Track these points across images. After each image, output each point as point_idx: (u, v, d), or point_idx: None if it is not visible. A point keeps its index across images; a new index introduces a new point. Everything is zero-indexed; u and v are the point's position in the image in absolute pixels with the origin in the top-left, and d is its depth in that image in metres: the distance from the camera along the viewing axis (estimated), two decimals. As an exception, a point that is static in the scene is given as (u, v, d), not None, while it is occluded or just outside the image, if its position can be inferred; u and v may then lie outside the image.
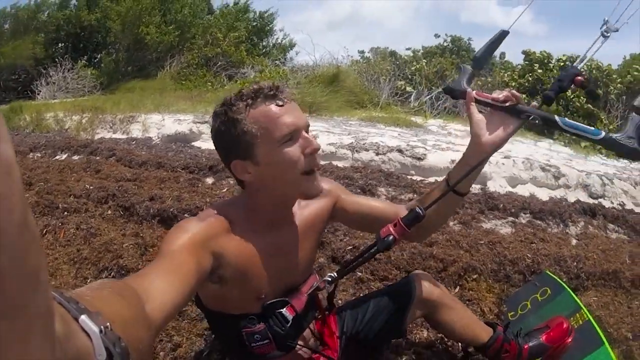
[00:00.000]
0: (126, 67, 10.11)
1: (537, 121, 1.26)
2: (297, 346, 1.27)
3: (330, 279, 1.28)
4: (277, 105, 1.05)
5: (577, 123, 1.24)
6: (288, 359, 1.26)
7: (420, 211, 1.21)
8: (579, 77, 1.23)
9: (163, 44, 9.91)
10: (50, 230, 2.67)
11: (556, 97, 1.25)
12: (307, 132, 1.10)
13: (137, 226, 2.80)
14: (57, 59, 9.83)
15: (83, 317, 0.45)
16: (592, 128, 1.24)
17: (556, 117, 1.26)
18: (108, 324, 0.47)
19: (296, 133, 1.06)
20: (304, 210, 1.26)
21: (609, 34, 1.24)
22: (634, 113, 1.24)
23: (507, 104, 1.25)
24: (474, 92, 1.29)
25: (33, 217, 0.30)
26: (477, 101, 1.30)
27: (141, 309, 0.67)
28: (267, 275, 1.15)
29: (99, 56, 10.96)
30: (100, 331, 0.45)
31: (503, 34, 1.36)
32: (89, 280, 2.14)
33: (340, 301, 1.99)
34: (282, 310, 1.18)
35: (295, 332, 1.25)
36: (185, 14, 10.75)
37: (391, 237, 1.22)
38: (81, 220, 2.79)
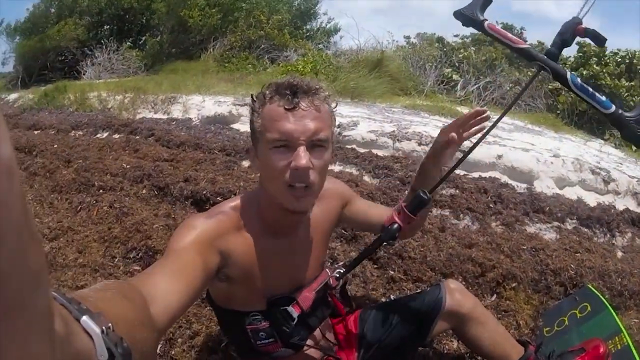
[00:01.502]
0: (170, 49, 10.20)
1: (548, 73, 1.17)
2: (306, 346, 1.23)
3: (337, 275, 1.26)
4: (285, 107, 0.98)
5: (589, 87, 1.13)
6: (298, 358, 1.21)
7: (424, 195, 1.20)
8: (581, 26, 1.15)
9: (206, 26, 9.92)
10: (85, 207, 2.68)
11: (560, 52, 1.18)
12: (313, 146, 0.99)
13: (169, 207, 2.77)
14: (102, 41, 10.04)
15: (84, 318, 0.45)
16: (604, 98, 1.13)
17: (568, 74, 1.15)
18: (110, 324, 0.47)
19: (291, 143, 0.98)
20: (314, 211, 1.21)
21: None
22: None
23: (521, 47, 1.19)
24: (487, 23, 1.21)
25: (33, 217, 0.23)
26: (490, 36, 1.22)
27: (146, 310, 0.67)
28: (274, 275, 1.13)
29: (143, 38, 11.13)
30: (102, 332, 0.45)
31: None
32: (116, 260, 2.11)
33: (368, 301, 1.87)
34: (287, 307, 1.13)
35: (304, 330, 1.21)
36: (229, -4, 10.73)
37: (396, 225, 1.21)
38: (115, 198, 2.78)
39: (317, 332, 1.30)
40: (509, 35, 1.21)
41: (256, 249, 1.09)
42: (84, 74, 9.48)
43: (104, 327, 0.46)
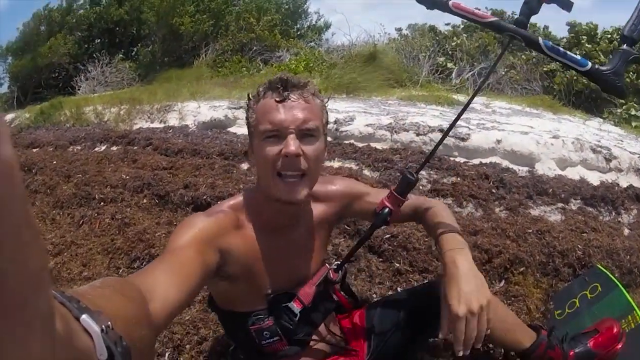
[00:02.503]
0: (162, 58, 10.26)
1: (521, 42, 1.17)
2: (312, 342, 1.23)
3: (335, 267, 1.29)
4: (276, 100, 1.03)
5: (562, 49, 1.14)
6: (306, 355, 1.21)
7: (411, 176, 1.20)
8: None
9: (198, 33, 9.96)
10: (87, 221, 2.69)
11: (528, 20, 1.18)
12: (303, 135, 1.02)
13: (171, 214, 2.78)
14: (94, 55, 10.10)
15: (84, 317, 0.45)
16: (579, 57, 1.16)
17: (540, 39, 1.15)
18: (109, 323, 0.47)
19: (281, 132, 1.02)
20: (313, 210, 1.24)
21: None
22: (624, 45, 1.14)
23: (489, 20, 1.19)
24: (452, 2, 1.19)
25: (35, 218, 0.25)
26: (457, 14, 1.20)
27: (144, 308, 0.66)
28: (274, 272, 1.13)
29: (135, 49, 11.17)
30: (102, 330, 0.45)
31: None
32: (121, 271, 2.11)
33: (375, 295, 1.86)
34: (288, 304, 1.13)
35: (307, 326, 1.20)
36: (218, 1, 10.75)
37: (386, 210, 1.21)
38: (116, 210, 2.78)
39: (322, 328, 1.29)
40: (476, 11, 1.20)
41: (256, 246, 1.10)
42: (78, 89, 9.52)
43: (103, 326, 0.46)
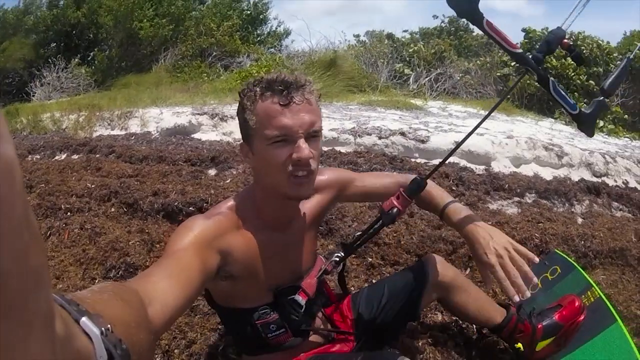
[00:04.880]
0: (120, 63, 10.00)
1: (534, 77, 1.28)
2: (312, 332, 1.29)
3: (337, 259, 1.34)
4: (280, 104, 1.02)
5: (564, 94, 1.28)
6: (303, 346, 1.27)
7: (421, 180, 1.30)
8: (566, 40, 1.28)
9: (157, 37, 9.79)
10: (54, 232, 2.64)
11: (544, 58, 1.29)
12: (310, 137, 1.05)
13: (142, 222, 2.77)
14: (50, 59, 9.72)
15: (84, 319, 0.45)
16: (573, 102, 1.30)
17: (550, 81, 1.27)
18: (109, 326, 0.47)
19: (290, 137, 1.03)
20: (307, 204, 1.25)
21: None
22: (602, 97, 1.32)
23: (515, 51, 1.26)
24: (485, 20, 1.23)
25: (34, 217, 0.29)
26: (486, 34, 1.25)
27: (143, 312, 0.67)
28: (275, 268, 1.17)
29: (92, 54, 10.84)
30: (101, 333, 0.45)
31: (628, 62, 1.39)
32: (97, 281, 2.12)
33: (352, 288, 1.96)
34: (294, 296, 1.19)
35: (308, 317, 1.27)
36: (178, 6, 10.61)
37: (395, 210, 1.29)
38: (85, 219, 2.75)
39: (318, 318, 1.36)
40: (507, 37, 1.25)
41: (256, 244, 1.12)
42: (33, 95, 9.12)
43: (103, 329, 0.46)
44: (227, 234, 1.06)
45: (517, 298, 1.10)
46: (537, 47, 1.31)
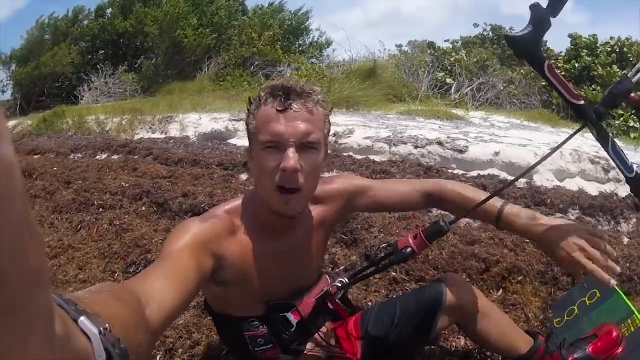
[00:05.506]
0: (166, 71, 10.35)
1: (593, 132, 1.17)
2: (306, 350, 1.21)
3: (340, 285, 1.23)
4: (277, 109, 0.99)
5: (622, 153, 1.18)
6: None
7: (444, 225, 1.18)
8: (634, 95, 1.14)
9: (201, 46, 10.08)
10: (85, 226, 2.70)
11: (608, 112, 1.17)
12: (304, 148, 0.99)
13: (169, 222, 2.79)
14: (98, 66, 10.18)
15: (82, 319, 0.45)
16: (630, 164, 1.19)
17: (610, 137, 1.17)
18: (107, 325, 0.47)
19: (282, 144, 0.98)
20: (312, 212, 1.20)
21: None
22: None
23: (576, 103, 1.14)
24: (547, 64, 1.11)
25: (34, 217, 0.24)
26: (547, 80, 1.13)
27: (140, 312, 0.67)
28: (271, 278, 1.11)
29: (139, 61, 11.29)
30: (100, 332, 0.45)
31: None
32: (117, 275, 2.12)
33: (370, 303, 1.86)
34: (286, 314, 1.12)
35: (302, 336, 1.19)
36: (221, 16, 10.91)
37: (409, 250, 1.19)
38: (115, 216, 2.80)
39: (317, 336, 1.27)
40: (568, 86, 1.15)
41: (251, 251, 1.08)
42: (81, 99, 9.61)
43: (101, 328, 0.46)
44: (222, 238, 1.03)
45: (614, 282, 1.04)
46: (600, 99, 1.16)
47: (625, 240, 2.74)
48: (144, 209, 3.03)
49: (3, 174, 0.25)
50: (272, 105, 1.00)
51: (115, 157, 4.58)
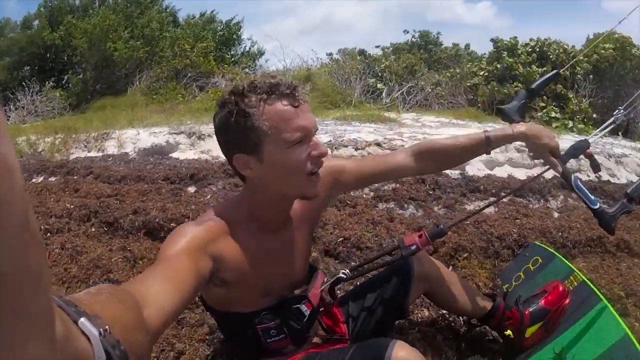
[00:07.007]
0: (95, 86, 9.91)
1: (560, 173, 1.47)
2: (310, 337, 1.28)
3: (345, 277, 1.37)
4: (293, 106, 1.02)
5: (585, 189, 1.46)
6: (303, 349, 1.26)
7: (444, 228, 1.40)
8: (588, 150, 1.52)
9: (132, 59, 9.77)
10: (35, 253, 2.61)
11: (568, 160, 1.51)
12: (315, 134, 1.09)
13: (123, 240, 2.75)
14: (24, 82, 9.58)
15: (82, 320, 0.45)
16: (593, 197, 1.46)
17: (572, 177, 1.48)
18: (107, 326, 0.47)
19: (308, 136, 1.05)
20: (299, 206, 1.24)
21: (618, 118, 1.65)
22: (625, 200, 1.46)
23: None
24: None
25: (35, 218, 0.30)
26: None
27: (139, 314, 0.67)
28: (269, 274, 1.15)
29: (66, 77, 10.74)
30: (100, 334, 0.45)
31: (557, 74, 1.67)
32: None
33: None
34: (299, 305, 1.17)
35: (308, 326, 1.26)
36: (153, 28, 10.63)
37: (414, 247, 1.37)
38: (65, 239, 2.73)
39: (315, 325, 1.35)
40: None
41: (248, 250, 1.10)
42: (8, 119, 8.94)
43: (101, 329, 0.46)
44: (218, 239, 1.04)
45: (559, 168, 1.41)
46: (566, 150, 1.51)
47: (556, 214, 3.09)
48: (93, 229, 2.96)
49: (3, 175, 0.25)
50: (283, 103, 1.01)
51: (52, 178, 4.38)
